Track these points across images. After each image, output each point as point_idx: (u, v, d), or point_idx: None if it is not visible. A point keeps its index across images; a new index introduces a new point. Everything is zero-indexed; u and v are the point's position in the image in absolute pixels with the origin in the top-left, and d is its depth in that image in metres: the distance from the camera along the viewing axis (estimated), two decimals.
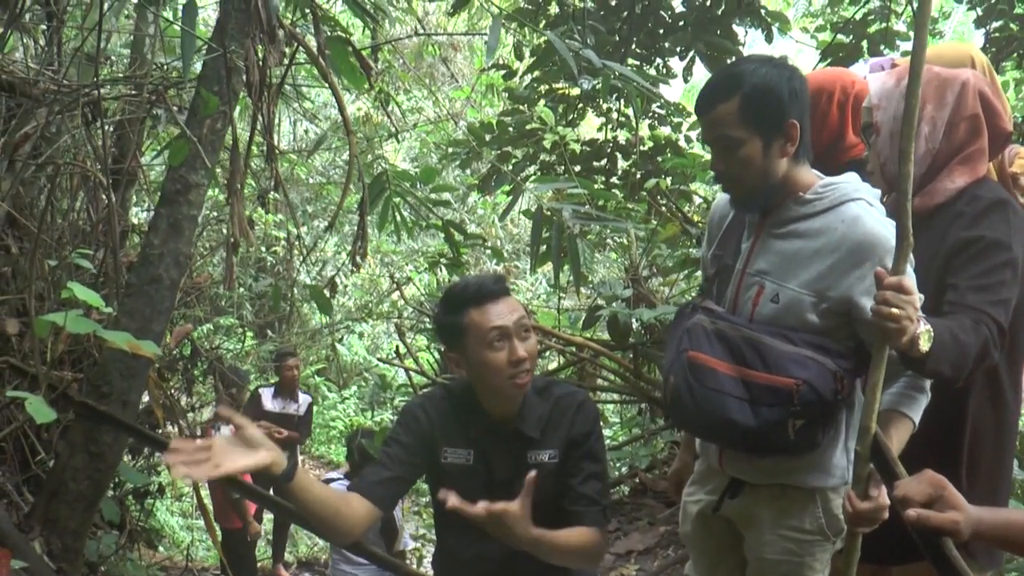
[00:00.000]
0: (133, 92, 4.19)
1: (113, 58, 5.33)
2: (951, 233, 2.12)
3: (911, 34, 5.89)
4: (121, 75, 4.70)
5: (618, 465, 5.88)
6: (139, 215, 6.00)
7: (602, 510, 2.26)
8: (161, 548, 6.78)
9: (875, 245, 1.96)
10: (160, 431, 4.37)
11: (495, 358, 2.18)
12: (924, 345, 1.85)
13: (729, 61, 6.03)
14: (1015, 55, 5.68)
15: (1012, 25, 5.61)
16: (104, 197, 3.93)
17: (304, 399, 7.39)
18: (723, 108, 2.02)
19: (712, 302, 2.19)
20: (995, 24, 5.66)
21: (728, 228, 2.26)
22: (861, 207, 2.02)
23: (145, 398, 3.75)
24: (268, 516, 7.43)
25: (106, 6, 3.63)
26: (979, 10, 5.75)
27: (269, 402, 7.12)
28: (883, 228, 1.98)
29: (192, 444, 1.94)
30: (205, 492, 5.88)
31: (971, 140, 2.20)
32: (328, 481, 4.50)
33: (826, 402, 1.99)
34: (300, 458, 8.15)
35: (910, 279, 1.84)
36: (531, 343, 2.22)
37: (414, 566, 5.59)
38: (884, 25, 5.90)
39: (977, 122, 2.20)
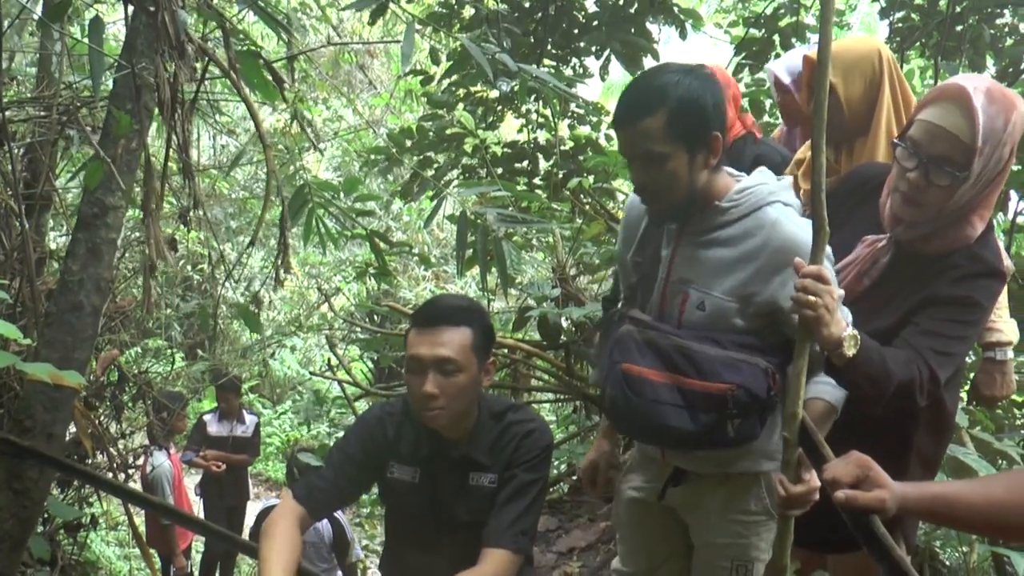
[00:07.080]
0: (42, 113, 4.07)
1: (19, 78, 5.17)
2: (939, 284, 2.10)
3: None
4: (28, 95, 4.55)
5: (556, 464, 5.91)
6: (56, 240, 5.82)
7: (517, 534, 2.22)
8: None
9: (795, 249, 1.97)
10: (89, 461, 4.25)
11: (411, 383, 2.21)
12: (849, 350, 1.90)
13: (652, 62, 6.13)
14: (918, 44, 5.87)
15: (914, 15, 5.81)
16: (17, 224, 3.81)
17: (251, 419, 7.39)
18: (648, 122, 1.96)
19: (638, 310, 2.18)
20: (898, 15, 5.84)
21: (645, 232, 2.24)
22: (778, 210, 2.04)
23: (72, 429, 3.64)
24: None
25: (6, 24, 3.52)
26: (883, 1, 5.92)
27: (215, 427, 7.09)
28: (801, 231, 2.00)
29: None
30: (140, 520, 5.74)
31: (998, 180, 2.07)
32: (268, 508, 4.44)
33: (761, 401, 2.01)
34: (250, 481, 8.02)
35: (828, 270, 1.89)
36: (451, 382, 2.17)
37: None
38: (794, 19, 6.03)
39: (1010, 160, 2.05)
